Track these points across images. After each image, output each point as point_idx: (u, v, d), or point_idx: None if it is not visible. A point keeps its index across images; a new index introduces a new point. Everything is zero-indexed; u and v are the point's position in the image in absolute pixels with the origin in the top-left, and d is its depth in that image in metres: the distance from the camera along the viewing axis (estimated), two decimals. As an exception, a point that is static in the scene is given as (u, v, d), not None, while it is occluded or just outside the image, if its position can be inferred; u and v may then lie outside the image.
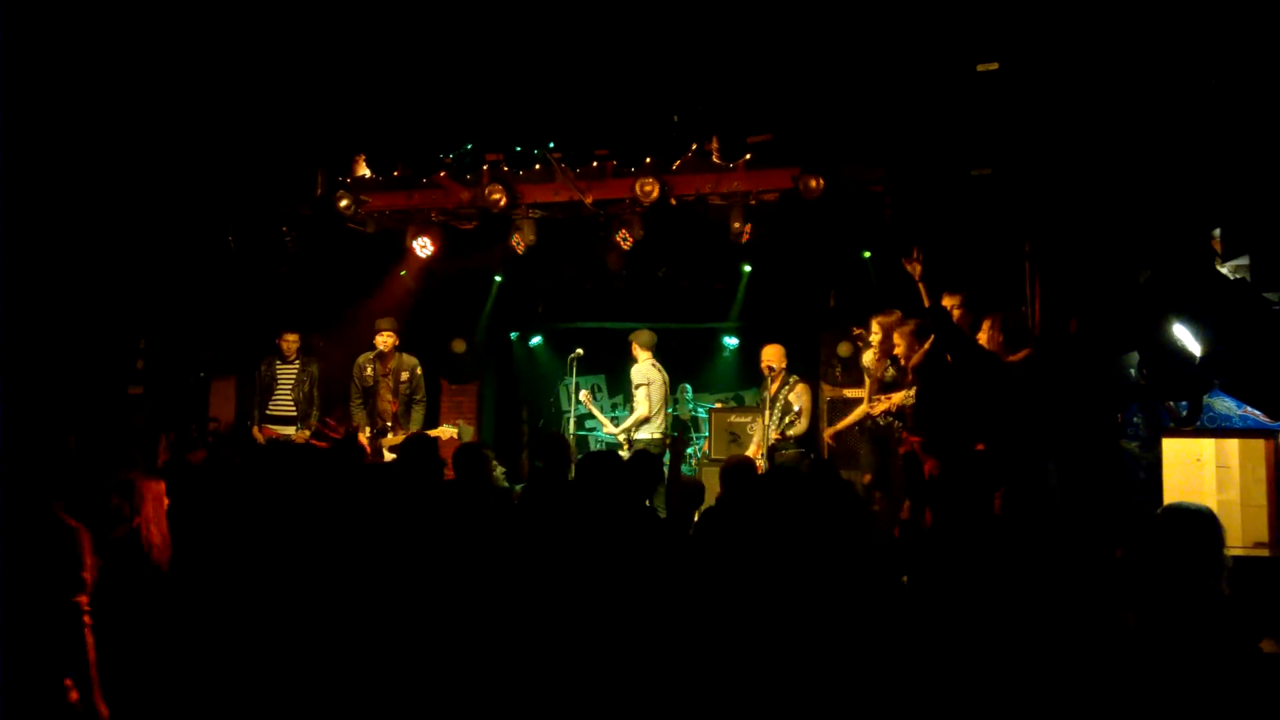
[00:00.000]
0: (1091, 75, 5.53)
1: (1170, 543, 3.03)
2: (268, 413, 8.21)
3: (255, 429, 8.20)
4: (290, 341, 8.25)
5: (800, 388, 7.72)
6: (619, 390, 10.49)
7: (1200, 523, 3.06)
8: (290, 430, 8.18)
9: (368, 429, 7.95)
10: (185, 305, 8.58)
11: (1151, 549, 3.08)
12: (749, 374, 10.36)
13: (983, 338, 5.75)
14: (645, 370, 8.19)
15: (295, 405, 8.23)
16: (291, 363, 8.25)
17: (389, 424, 7.99)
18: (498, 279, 9.88)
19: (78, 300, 7.41)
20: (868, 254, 8.21)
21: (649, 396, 8.08)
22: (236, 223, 8.09)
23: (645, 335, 8.30)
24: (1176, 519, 3.09)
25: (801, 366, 8.44)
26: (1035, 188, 5.99)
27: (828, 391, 8.58)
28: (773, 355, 7.70)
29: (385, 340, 8.04)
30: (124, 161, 7.54)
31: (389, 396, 8.02)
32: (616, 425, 8.52)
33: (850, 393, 7.93)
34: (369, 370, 8.06)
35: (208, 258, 8.27)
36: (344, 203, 7.80)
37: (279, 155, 7.94)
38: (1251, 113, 4.66)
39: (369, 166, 8.03)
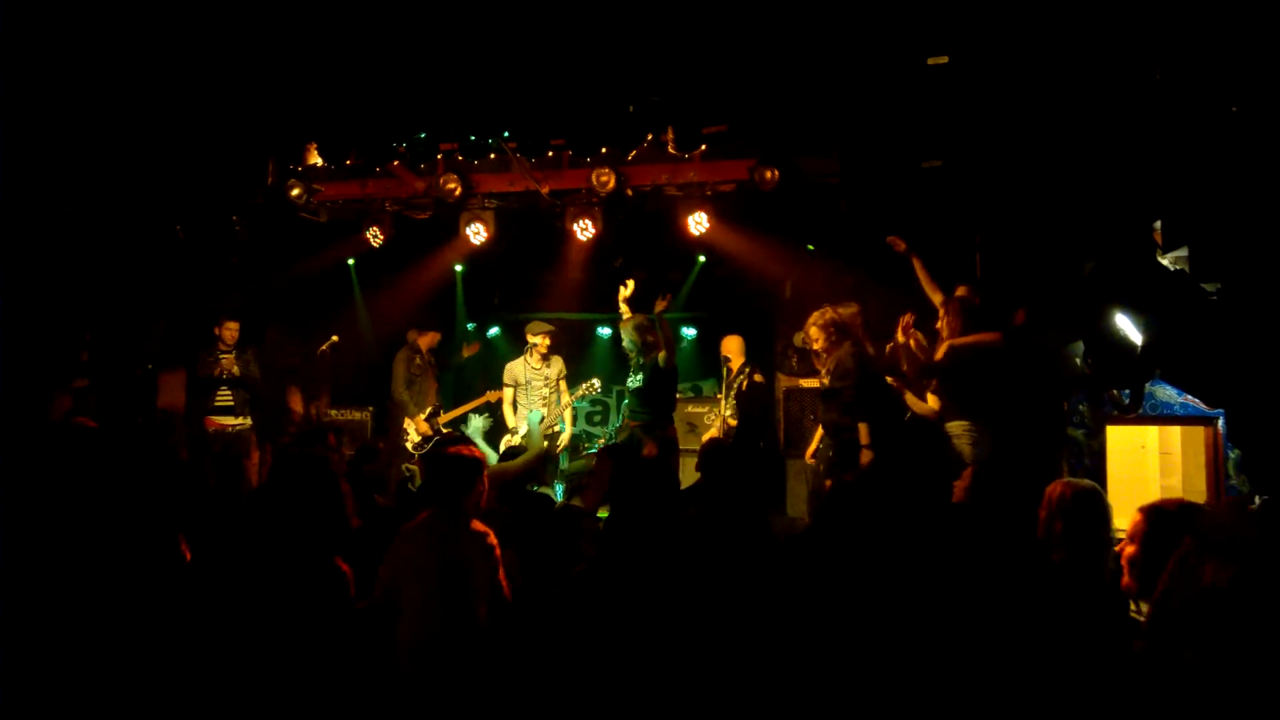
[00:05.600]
0: (1039, 70, 5.63)
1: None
2: (213, 405, 8.14)
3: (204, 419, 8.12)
4: (231, 329, 8.17)
5: (755, 377, 7.76)
6: (577, 380, 10.47)
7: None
8: (231, 420, 8.12)
9: (427, 411, 8.61)
10: (132, 296, 8.42)
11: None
12: (707, 364, 10.40)
13: (940, 324, 5.87)
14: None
15: (234, 396, 8.18)
16: (231, 352, 8.17)
17: (439, 404, 8.83)
18: (459, 269, 9.79)
19: (20, 290, 7.23)
20: (811, 247, 8.30)
21: None
22: (185, 212, 7.94)
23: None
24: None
25: (758, 355, 8.49)
26: (984, 180, 6.08)
27: (784, 381, 8.64)
28: (730, 347, 7.88)
29: (434, 339, 8.89)
30: (69, 149, 7.37)
31: (432, 383, 8.88)
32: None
33: (805, 382, 8.00)
34: (418, 360, 8.73)
35: (156, 248, 8.11)
36: (296, 192, 7.69)
37: (229, 143, 7.80)
38: (1192, 108, 4.77)
39: (321, 155, 7.92)
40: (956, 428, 5.71)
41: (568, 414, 8.40)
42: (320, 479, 3.31)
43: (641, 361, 7.05)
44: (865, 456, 5.95)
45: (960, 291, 6.05)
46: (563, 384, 8.40)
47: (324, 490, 3.29)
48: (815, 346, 6.39)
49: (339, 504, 3.44)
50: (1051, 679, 2.72)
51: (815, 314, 6.38)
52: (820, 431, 6.68)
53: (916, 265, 6.17)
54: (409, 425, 8.57)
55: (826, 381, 6.33)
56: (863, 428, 6.02)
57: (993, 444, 5.57)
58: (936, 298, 6.05)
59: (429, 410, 8.68)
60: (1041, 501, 3.24)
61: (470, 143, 7.52)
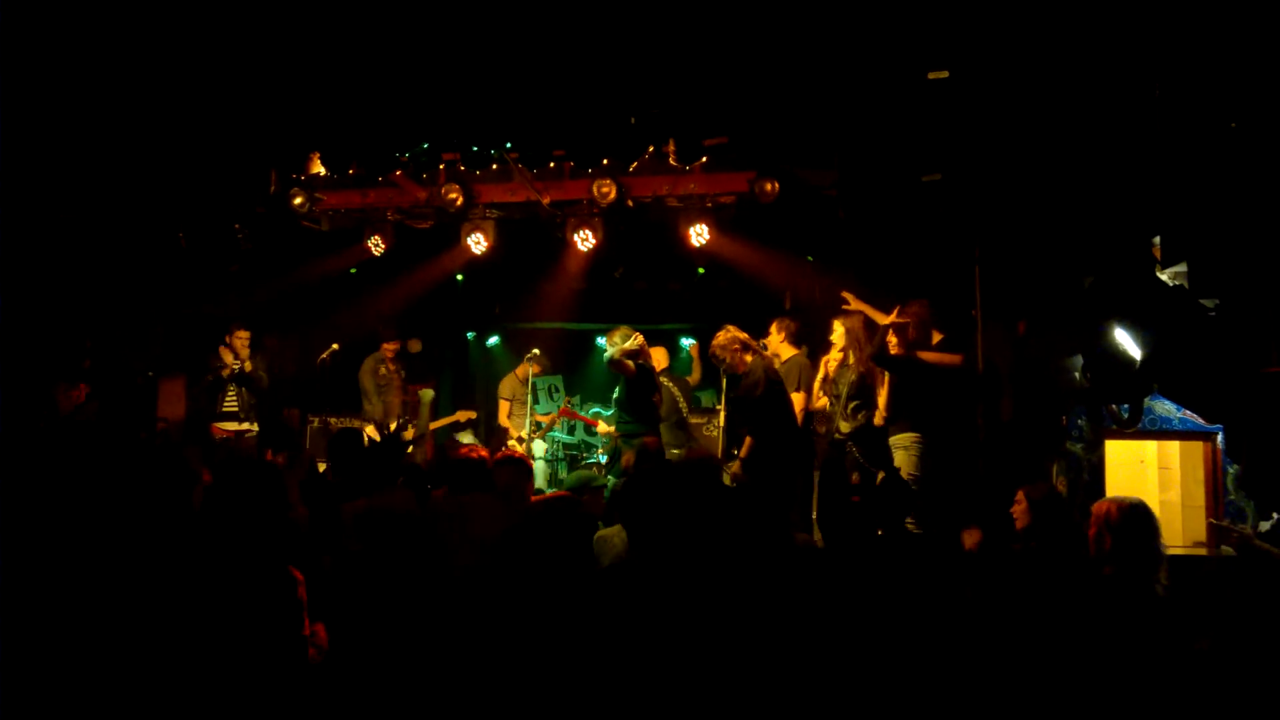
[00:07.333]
0: (1039, 84, 5.65)
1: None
2: (220, 410, 8.22)
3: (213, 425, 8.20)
4: (242, 339, 8.22)
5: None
6: (575, 390, 10.47)
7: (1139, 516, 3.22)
8: (237, 426, 8.18)
9: (394, 423, 8.56)
10: (134, 304, 8.44)
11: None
12: (707, 376, 10.38)
13: (892, 337, 5.95)
14: None
15: (239, 400, 8.24)
16: (239, 360, 8.23)
17: (406, 417, 8.78)
18: (460, 278, 9.82)
19: (21, 298, 7.25)
20: (811, 258, 8.32)
21: None
22: (188, 220, 7.97)
23: None
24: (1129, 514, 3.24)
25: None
26: (984, 194, 6.11)
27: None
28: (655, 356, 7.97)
29: (395, 347, 8.89)
30: (72, 157, 7.39)
31: (397, 395, 8.85)
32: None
33: (798, 396, 7.98)
34: (383, 370, 8.76)
35: (158, 256, 8.14)
36: (298, 200, 7.71)
37: (232, 152, 7.82)
38: (1191, 124, 4.79)
39: (324, 164, 7.94)
40: (905, 439, 5.87)
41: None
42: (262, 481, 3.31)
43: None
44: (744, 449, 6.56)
45: (912, 307, 6.16)
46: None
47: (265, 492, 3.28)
48: (724, 366, 6.79)
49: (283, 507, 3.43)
50: (1106, 685, 2.79)
51: (720, 334, 6.72)
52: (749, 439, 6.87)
53: (864, 308, 6.36)
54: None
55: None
56: (748, 441, 6.53)
57: (937, 459, 5.78)
58: (883, 320, 6.17)
59: (395, 424, 8.58)
60: (1089, 520, 3.42)
61: (472, 153, 7.54)
